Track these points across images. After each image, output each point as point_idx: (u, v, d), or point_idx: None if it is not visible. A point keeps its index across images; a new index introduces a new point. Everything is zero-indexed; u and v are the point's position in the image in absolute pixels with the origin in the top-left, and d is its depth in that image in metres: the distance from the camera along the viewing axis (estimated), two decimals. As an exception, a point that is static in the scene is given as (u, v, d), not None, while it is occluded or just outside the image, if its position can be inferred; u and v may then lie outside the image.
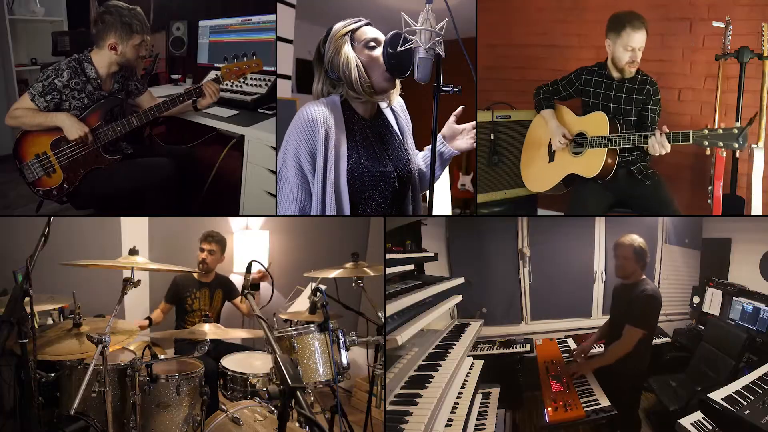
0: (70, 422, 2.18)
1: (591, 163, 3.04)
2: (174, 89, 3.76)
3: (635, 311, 2.74)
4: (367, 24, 2.11)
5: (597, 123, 3.03)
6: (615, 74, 3.02)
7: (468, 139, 2.25)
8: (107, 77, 2.89)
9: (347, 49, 2.04)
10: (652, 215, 3.12)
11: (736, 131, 2.65)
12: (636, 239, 2.82)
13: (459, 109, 2.23)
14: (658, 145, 2.77)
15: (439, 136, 2.27)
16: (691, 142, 2.73)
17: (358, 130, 2.12)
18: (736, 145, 2.66)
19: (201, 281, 3.35)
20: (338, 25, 2.08)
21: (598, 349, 3.18)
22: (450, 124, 2.25)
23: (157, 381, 2.30)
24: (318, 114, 2.02)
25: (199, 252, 3.34)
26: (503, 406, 2.76)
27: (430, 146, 2.19)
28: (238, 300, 3.46)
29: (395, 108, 2.27)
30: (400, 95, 2.25)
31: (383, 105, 2.23)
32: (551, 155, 3.25)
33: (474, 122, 2.25)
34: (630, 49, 2.90)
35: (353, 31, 2.07)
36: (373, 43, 2.07)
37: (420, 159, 2.36)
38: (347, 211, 2.05)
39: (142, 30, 2.85)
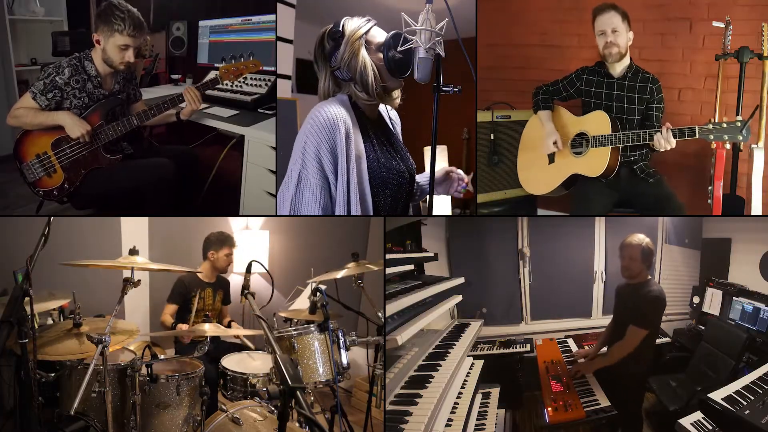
0: (70, 422, 2.18)
1: (594, 163, 3.03)
2: (174, 89, 3.77)
3: (640, 311, 2.73)
4: (374, 24, 2.10)
5: (598, 122, 3.03)
6: (611, 69, 3.03)
7: (444, 189, 2.26)
8: (107, 76, 2.88)
9: (364, 54, 2.01)
10: (656, 212, 3.12)
11: (739, 124, 2.69)
12: (644, 239, 2.81)
13: (467, 178, 2.25)
14: (664, 141, 2.78)
15: (423, 176, 2.30)
16: (697, 136, 2.75)
17: (370, 129, 2.11)
18: (740, 138, 2.71)
19: (205, 281, 3.33)
20: (352, 26, 2.03)
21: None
22: (444, 171, 2.25)
23: (157, 381, 2.30)
24: (337, 114, 1.98)
25: (224, 257, 3.32)
26: (503, 406, 2.75)
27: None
28: (226, 308, 3.46)
29: (392, 116, 2.26)
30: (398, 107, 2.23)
31: (383, 108, 2.23)
32: (551, 157, 3.24)
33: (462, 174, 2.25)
34: (600, 32, 2.95)
35: (366, 33, 2.05)
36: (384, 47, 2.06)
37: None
38: (371, 210, 2.04)
39: (123, 30, 2.71)
